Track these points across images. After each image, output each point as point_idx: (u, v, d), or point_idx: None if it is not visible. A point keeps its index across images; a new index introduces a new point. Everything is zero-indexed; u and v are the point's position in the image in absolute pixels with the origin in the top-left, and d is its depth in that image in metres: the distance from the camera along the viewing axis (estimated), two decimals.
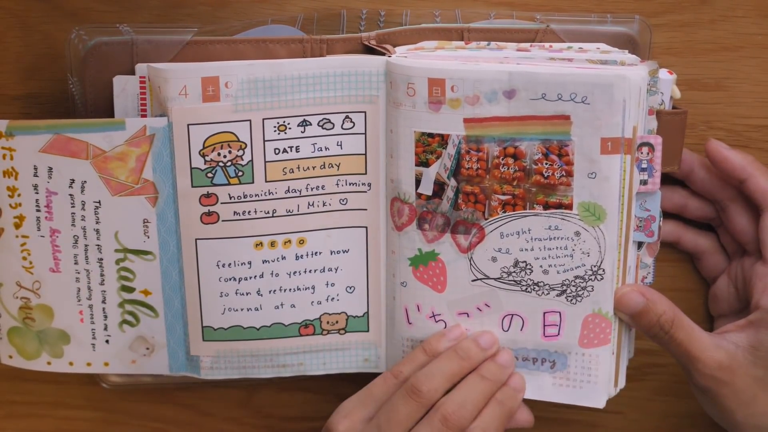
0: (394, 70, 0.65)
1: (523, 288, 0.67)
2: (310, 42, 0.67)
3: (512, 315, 0.68)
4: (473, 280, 0.67)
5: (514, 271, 0.67)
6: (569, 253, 0.66)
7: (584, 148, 0.63)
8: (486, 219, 0.66)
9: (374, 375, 0.70)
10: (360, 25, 0.69)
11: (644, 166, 0.66)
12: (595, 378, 0.67)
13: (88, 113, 0.66)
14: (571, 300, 0.66)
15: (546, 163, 0.65)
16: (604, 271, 0.66)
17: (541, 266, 0.66)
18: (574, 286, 0.66)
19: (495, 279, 0.67)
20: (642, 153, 0.65)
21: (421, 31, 0.68)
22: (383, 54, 0.66)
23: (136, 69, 0.65)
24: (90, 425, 0.77)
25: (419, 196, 0.67)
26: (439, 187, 0.66)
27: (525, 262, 0.66)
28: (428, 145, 0.65)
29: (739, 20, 0.70)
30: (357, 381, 0.73)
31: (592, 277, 0.66)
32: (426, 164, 0.66)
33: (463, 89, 0.64)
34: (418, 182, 0.66)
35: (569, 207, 0.65)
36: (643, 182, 0.66)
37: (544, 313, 0.67)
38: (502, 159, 0.65)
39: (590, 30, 0.68)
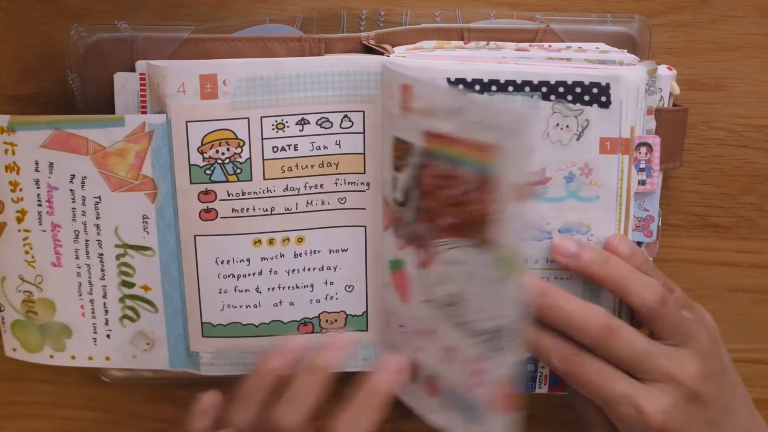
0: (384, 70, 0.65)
1: (455, 323, 0.61)
2: (308, 41, 0.67)
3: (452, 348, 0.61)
4: (422, 300, 0.64)
5: (449, 303, 0.61)
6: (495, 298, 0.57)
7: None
8: (434, 240, 0.61)
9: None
10: (360, 25, 0.69)
11: (642, 166, 0.65)
12: None
13: (88, 110, 0.66)
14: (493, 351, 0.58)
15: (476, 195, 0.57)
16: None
17: (472, 305, 0.59)
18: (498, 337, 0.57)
19: (438, 305, 0.62)
20: (640, 153, 0.65)
21: (421, 31, 0.68)
22: (382, 54, 0.66)
23: (136, 66, 0.65)
24: (90, 425, 0.77)
25: (394, 200, 0.65)
26: (406, 195, 0.64)
27: (459, 295, 0.60)
28: (400, 151, 0.64)
29: (739, 20, 0.69)
30: (356, 381, 0.73)
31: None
32: (399, 170, 0.64)
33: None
34: (395, 186, 0.65)
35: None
36: (642, 182, 0.66)
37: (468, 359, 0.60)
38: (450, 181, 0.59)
39: (590, 30, 0.68)
